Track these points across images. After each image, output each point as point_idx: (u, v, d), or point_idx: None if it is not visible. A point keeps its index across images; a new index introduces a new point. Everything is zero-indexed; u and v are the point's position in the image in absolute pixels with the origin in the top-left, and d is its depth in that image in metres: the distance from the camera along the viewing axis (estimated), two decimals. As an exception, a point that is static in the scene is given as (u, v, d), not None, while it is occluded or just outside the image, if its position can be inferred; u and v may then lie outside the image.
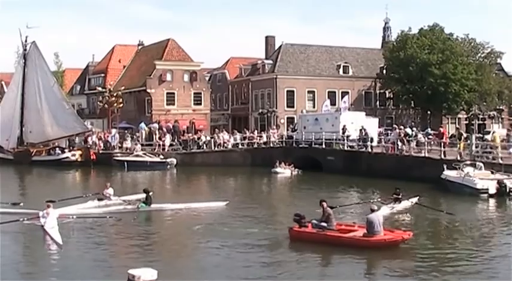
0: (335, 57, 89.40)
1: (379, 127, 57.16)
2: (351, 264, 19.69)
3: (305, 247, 21.63)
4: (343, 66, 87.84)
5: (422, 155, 45.52)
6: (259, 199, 38.53)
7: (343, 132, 53.24)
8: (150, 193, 30.52)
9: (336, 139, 54.08)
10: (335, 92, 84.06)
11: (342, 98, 71.56)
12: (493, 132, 47.57)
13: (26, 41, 71.49)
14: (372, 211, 21.88)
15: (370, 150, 50.40)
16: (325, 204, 22.85)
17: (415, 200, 31.26)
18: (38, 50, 70.61)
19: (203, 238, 23.77)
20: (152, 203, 30.03)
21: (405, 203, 30.63)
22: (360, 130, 52.35)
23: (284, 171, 52.51)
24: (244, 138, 64.18)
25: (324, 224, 22.18)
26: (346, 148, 52.71)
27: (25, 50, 71.94)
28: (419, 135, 50.67)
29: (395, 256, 20.64)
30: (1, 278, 17.95)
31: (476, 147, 43.35)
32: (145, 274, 10.62)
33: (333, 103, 73.95)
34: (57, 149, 66.71)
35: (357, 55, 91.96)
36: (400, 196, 30.58)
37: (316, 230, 22.20)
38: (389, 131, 56.03)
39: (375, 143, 51.38)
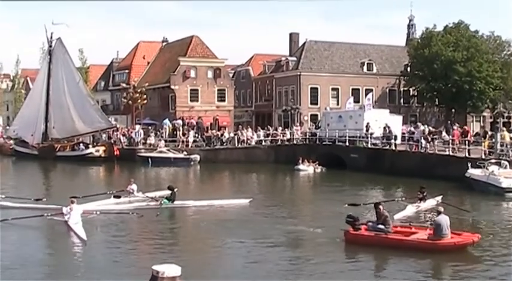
0: (359, 55, 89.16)
1: (403, 125, 56.85)
2: (416, 268, 19.25)
3: (360, 250, 21.14)
4: (367, 63, 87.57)
5: (447, 153, 45.30)
6: (283, 197, 38.45)
7: (367, 130, 53.04)
8: (175, 190, 30.43)
9: (359, 137, 53.89)
10: (359, 90, 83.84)
11: (365, 95, 71.26)
12: (503, 131, 46.96)
13: (51, 37, 71.98)
14: (439, 213, 21.14)
15: (393, 148, 50.19)
16: (381, 207, 22.13)
17: (439, 198, 30.85)
18: (63, 47, 70.99)
19: (226, 235, 23.77)
20: (175, 200, 30.01)
21: (430, 202, 30.19)
22: (384, 128, 52.13)
23: (307, 168, 52.42)
24: (268, 135, 64.14)
25: (381, 226, 21.46)
26: (369, 146, 52.51)
27: (50, 46, 72.38)
28: (443, 134, 50.34)
29: (460, 259, 20.07)
30: (26, 273, 18.08)
31: (501, 145, 43.10)
32: (169, 269, 10.56)
33: (356, 100, 73.71)
34: (81, 144, 67.08)
35: (381, 52, 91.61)
36: (424, 195, 30.10)
37: (374, 233, 21.38)
38: (411, 129, 55.70)
39: (398, 141, 51.16)
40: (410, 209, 28.39)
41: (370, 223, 21.84)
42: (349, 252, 21.26)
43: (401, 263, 19.78)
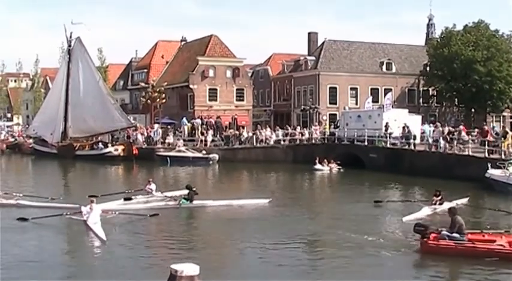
0: (378, 54, 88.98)
1: (422, 125, 56.61)
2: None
3: (437, 259, 19.90)
4: (386, 63, 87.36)
5: (466, 153, 45.05)
6: (302, 197, 38.23)
7: (386, 130, 52.88)
8: (194, 189, 30.34)
9: (378, 136, 53.73)
10: (378, 89, 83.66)
11: (384, 95, 71.08)
12: (507, 133, 46.25)
13: (70, 37, 72.36)
14: None
15: (412, 148, 49.98)
16: (457, 215, 20.79)
17: (460, 201, 30.43)
18: (82, 46, 71.32)
19: (245, 235, 23.74)
20: (194, 200, 29.95)
21: (448, 205, 28.39)
22: (403, 128, 51.95)
23: (325, 168, 52.31)
24: (287, 134, 64.08)
25: (456, 235, 20.22)
26: (388, 146, 52.33)
27: (70, 45, 72.72)
28: (463, 134, 50.06)
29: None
30: (44, 272, 18.12)
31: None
32: (187, 268, 10.60)
33: (375, 100, 73.58)
34: (100, 143, 67.35)
35: (400, 52, 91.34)
36: (441, 198, 29.40)
37: (454, 242, 20.00)
38: (431, 128, 55.49)
39: (417, 141, 50.95)
40: (425, 212, 27.92)
41: (444, 232, 20.47)
42: (422, 261, 20.44)
43: (488, 273, 18.67)
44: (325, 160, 53.04)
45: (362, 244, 21.73)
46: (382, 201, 28.45)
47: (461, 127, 51.65)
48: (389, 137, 52.37)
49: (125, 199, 30.60)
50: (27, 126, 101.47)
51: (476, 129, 52.28)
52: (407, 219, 25.95)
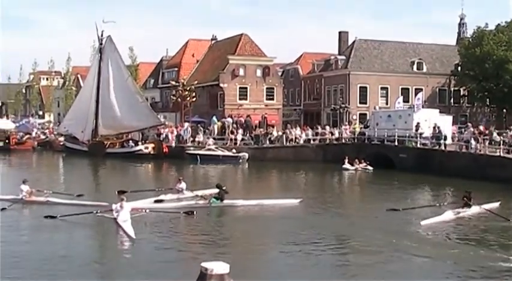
0: (409, 54, 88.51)
1: (453, 125, 56.29)
2: None
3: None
4: (417, 62, 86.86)
5: (498, 154, 44.70)
6: (332, 197, 37.93)
7: (416, 130, 52.64)
8: (224, 188, 30.24)
9: (408, 136, 53.50)
10: (408, 89, 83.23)
11: (415, 95, 70.65)
12: None
13: (101, 35, 72.71)
14: None
15: (443, 148, 49.70)
16: None
17: (490, 206, 29.26)
18: (113, 44, 71.66)
19: (276, 235, 23.77)
20: (225, 199, 29.90)
21: (475, 210, 28.38)
22: (434, 128, 51.69)
23: (355, 168, 52.16)
24: (317, 134, 63.97)
25: None
26: (418, 146, 52.09)
27: (101, 44, 73.14)
28: (494, 134, 49.71)
29: None
30: (74, 270, 18.25)
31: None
32: (217, 267, 10.67)
33: (406, 100, 73.11)
34: (130, 141, 67.73)
35: (431, 51, 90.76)
36: (470, 201, 28.36)
37: None
38: (462, 129, 55.23)
39: (448, 141, 50.67)
40: (447, 216, 27.08)
41: None
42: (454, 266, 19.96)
43: None
44: (356, 160, 52.86)
45: (390, 246, 21.66)
46: (397, 209, 28.10)
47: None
48: (420, 137, 52.14)
49: (156, 201, 30.56)
50: (58, 123, 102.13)
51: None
52: (426, 223, 25.57)
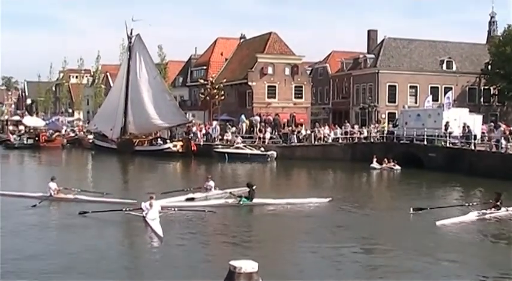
0: (438, 52, 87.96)
1: (482, 124, 55.87)
2: None
3: None
4: (447, 61, 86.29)
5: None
6: (361, 196, 37.59)
7: (446, 129, 52.33)
8: (254, 187, 30.07)
9: (438, 136, 53.20)
10: (438, 88, 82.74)
11: (444, 93, 70.21)
12: None
13: (131, 33, 73.12)
14: None
15: (473, 148, 49.33)
16: None
17: None
18: (142, 43, 72.05)
19: (306, 235, 23.69)
20: (254, 198, 29.79)
21: (503, 212, 27.48)
22: (463, 127, 51.37)
23: (383, 167, 51.95)
24: (346, 133, 63.79)
25: None
26: (448, 145, 51.77)
27: (130, 42, 73.50)
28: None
29: None
30: (103, 268, 18.33)
31: None
32: (246, 265, 10.65)
33: (435, 99, 72.67)
34: (159, 139, 68.10)
35: (461, 50, 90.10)
36: (500, 202, 27.47)
37: None
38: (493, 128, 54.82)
39: (478, 141, 50.32)
40: (470, 217, 26.48)
41: None
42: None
43: None
44: (385, 159, 52.65)
45: (417, 246, 21.53)
46: (423, 208, 27.84)
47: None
48: (449, 137, 51.81)
49: (187, 200, 30.48)
50: (87, 121, 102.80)
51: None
52: (442, 223, 25.21)
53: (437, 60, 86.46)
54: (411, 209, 28.06)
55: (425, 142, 53.67)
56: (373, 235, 23.94)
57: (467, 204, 29.30)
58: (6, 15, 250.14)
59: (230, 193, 31.18)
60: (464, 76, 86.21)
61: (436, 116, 55.18)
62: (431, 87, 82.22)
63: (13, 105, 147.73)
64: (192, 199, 30.29)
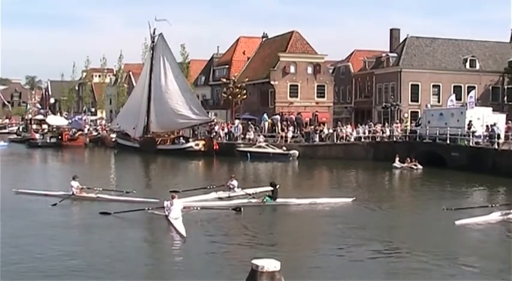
0: (461, 51, 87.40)
1: (506, 123, 55.49)
2: None
3: None
4: (470, 60, 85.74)
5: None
6: (385, 196, 37.37)
7: (469, 128, 52.03)
8: (277, 187, 30.03)
9: (461, 135, 52.90)
10: (461, 87, 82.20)
11: (468, 92, 69.83)
12: None
13: (154, 33, 73.39)
14: None
15: (496, 147, 49.01)
16: None
17: None
18: (164, 42, 72.29)
19: (328, 235, 23.62)
20: (278, 197, 29.70)
21: None
22: (487, 126, 51.06)
23: (404, 166, 51.72)
24: (369, 132, 63.60)
25: None
26: (471, 144, 51.46)
27: (153, 42, 73.76)
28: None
29: None
30: (126, 267, 18.41)
31: None
32: (268, 264, 10.66)
33: (458, 98, 72.19)
34: (181, 138, 68.21)
35: (484, 48, 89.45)
36: None
37: None
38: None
39: (502, 140, 50.00)
40: (493, 216, 26.21)
41: None
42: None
43: None
44: (407, 159, 52.41)
45: (441, 247, 21.41)
46: (450, 209, 27.70)
47: None
48: (472, 136, 51.51)
49: (214, 199, 30.51)
50: (110, 120, 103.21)
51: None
52: (462, 223, 25.10)
53: (460, 59, 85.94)
54: (444, 209, 28.11)
55: (448, 141, 53.36)
56: (397, 235, 23.89)
57: (490, 205, 29.19)
58: (30, 15, 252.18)
59: (253, 192, 31.24)
60: (487, 75, 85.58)
61: (459, 115, 54.92)
62: (454, 86, 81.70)
63: (37, 105, 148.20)
64: (220, 199, 30.40)
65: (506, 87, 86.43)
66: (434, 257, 19.93)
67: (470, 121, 52.38)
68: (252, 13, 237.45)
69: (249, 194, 30.96)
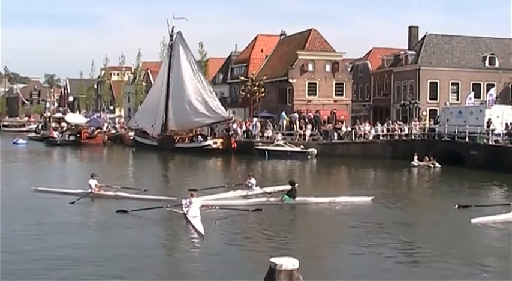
0: (481, 48, 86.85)
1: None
2: None
3: None
4: (489, 57, 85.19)
5: None
6: (403, 194, 37.39)
7: (488, 126, 51.79)
8: (296, 185, 29.94)
9: (480, 133, 52.65)
10: (480, 85, 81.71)
11: (487, 90, 69.47)
12: None
13: (172, 31, 73.51)
14: None
15: (516, 145, 48.76)
16: None
17: None
18: (183, 40, 72.44)
19: (348, 234, 23.49)
20: (296, 196, 29.60)
21: None
22: (506, 124, 50.81)
23: (421, 165, 51.52)
24: (388, 130, 63.40)
25: None
26: (490, 143, 51.21)
27: (171, 40, 73.88)
28: None
29: None
30: (144, 263, 18.43)
31: None
32: (287, 262, 10.64)
33: (477, 96, 71.88)
34: (199, 136, 68.31)
35: (504, 46, 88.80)
36: None
37: None
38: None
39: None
40: (510, 216, 25.94)
41: None
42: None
43: None
44: (426, 157, 52.21)
45: (460, 247, 21.33)
46: (469, 206, 27.55)
47: None
48: (492, 134, 51.27)
49: (237, 197, 30.51)
50: (128, 118, 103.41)
51: None
52: (478, 221, 24.97)
53: (479, 57, 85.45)
54: (456, 206, 28.06)
55: (467, 140, 53.13)
56: (415, 235, 23.75)
57: (510, 202, 28.96)
58: (50, 15, 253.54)
59: (272, 190, 31.20)
60: (507, 73, 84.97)
61: (478, 113, 54.70)
62: (473, 84, 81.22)
63: (56, 103, 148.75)
64: (240, 197, 30.38)
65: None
66: (451, 257, 19.84)
67: (489, 119, 52.17)
68: (270, 11, 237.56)
69: (268, 193, 30.86)
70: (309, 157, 59.03)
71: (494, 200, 32.94)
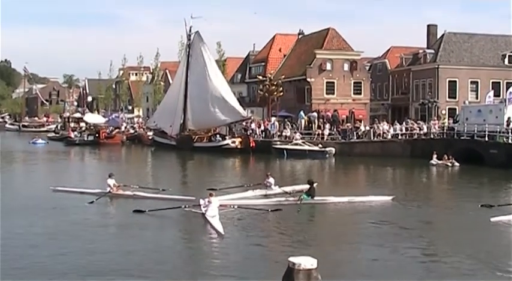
0: (500, 47, 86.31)
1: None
2: None
3: None
4: (509, 55, 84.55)
5: None
6: (423, 194, 37.23)
7: (508, 125, 51.51)
8: (315, 185, 29.83)
9: (499, 132, 52.37)
10: (499, 83, 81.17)
11: (506, 89, 68.99)
12: None
13: (190, 31, 73.67)
14: None
15: (536, 144, 48.48)
16: None
17: None
18: (201, 40, 72.54)
19: (367, 234, 23.42)
20: (315, 195, 29.50)
21: None
22: (527, 123, 50.58)
23: (442, 163, 51.28)
24: (407, 129, 63.18)
25: None
26: (510, 141, 50.92)
27: (189, 39, 73.99)
28: None
29: None
30: (163, 263, 18.44)
31: None
32: (305, 262, 10.62)
33: (496, 94, 71.44)
34: (217, 136, 68.40)
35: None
36: None
37: None
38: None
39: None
40: None
41: None
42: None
43: None
44: (445, 156, 51.98)
45: (480, 247, 21.11)
46: (492, 206, 27.38)
47: None
48: (511, 133, 50.97)
49: (257, 197, 30.49)
50: (147, 118, 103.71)
51: None
52: (496, 220, 24.81)
53: (498, 55, 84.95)
54: (479, 205, 27.95)
55: (486, 138, 52.82)
56: (434, 234, 23.69)
57: None
58: (69, 15, 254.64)
59: (291, 190, 31.16)
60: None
61: (498, 112, 54.40)
62: (492, 83, 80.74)
63: (74, 103, 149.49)
64: (258, 197, 30.36)
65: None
66: (470, 257, 19.66)
67: (509, 118, 51.88)
68: (287, 10, 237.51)
69: (286, 192, 30.86)
70: (328, 156, 58.95)
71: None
